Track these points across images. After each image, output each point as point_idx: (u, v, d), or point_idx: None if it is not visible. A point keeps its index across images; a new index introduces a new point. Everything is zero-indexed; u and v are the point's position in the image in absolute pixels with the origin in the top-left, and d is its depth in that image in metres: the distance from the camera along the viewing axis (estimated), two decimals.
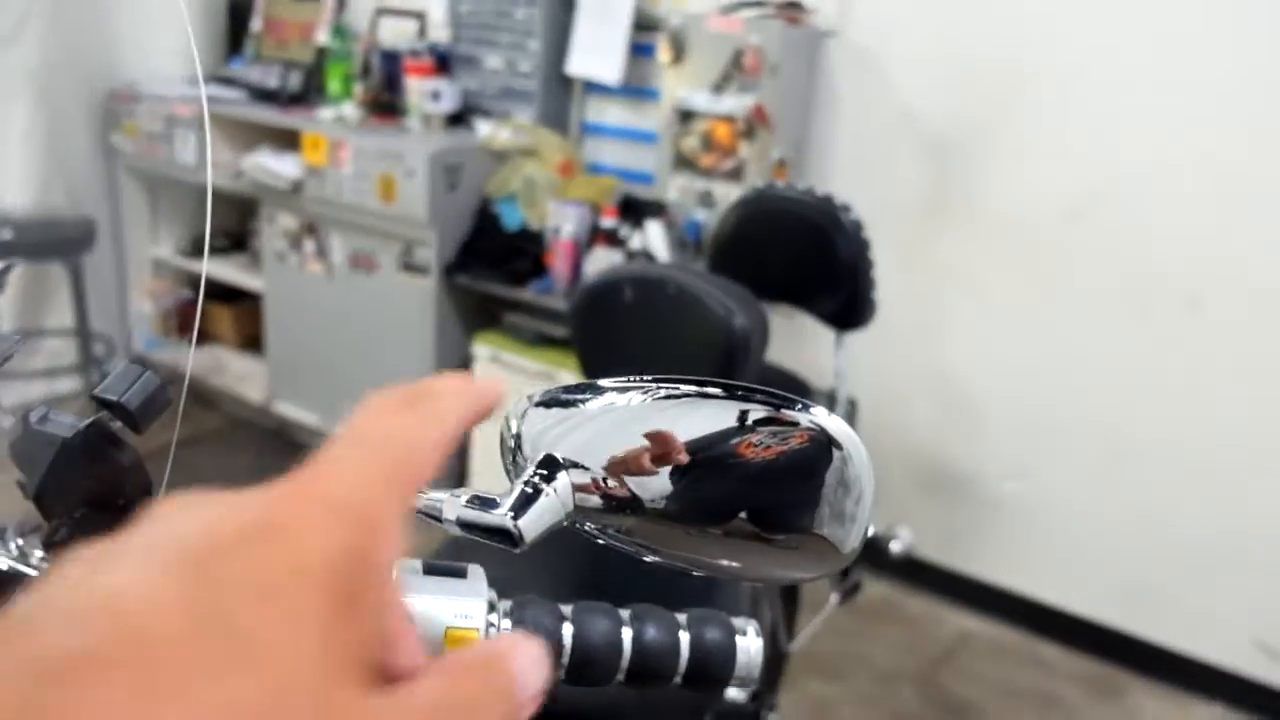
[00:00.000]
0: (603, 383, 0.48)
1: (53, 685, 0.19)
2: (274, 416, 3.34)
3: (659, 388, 0.47)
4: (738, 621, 0.59)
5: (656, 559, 0.48)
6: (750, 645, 0.58)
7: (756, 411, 0.45)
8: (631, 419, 0.46)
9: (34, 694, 0.19)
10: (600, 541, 0.49)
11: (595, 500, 0.47)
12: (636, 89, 2.80)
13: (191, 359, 3.42)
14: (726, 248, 1.71)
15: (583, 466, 0.47)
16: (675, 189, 2.70)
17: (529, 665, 0.29)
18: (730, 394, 0.46)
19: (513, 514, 0.46)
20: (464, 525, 0.47)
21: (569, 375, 2.65)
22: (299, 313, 3.18)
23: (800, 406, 0.45)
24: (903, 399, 2.73)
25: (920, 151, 2.56)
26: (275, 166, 3.01)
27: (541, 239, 2.75)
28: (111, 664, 0.20)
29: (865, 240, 1.58)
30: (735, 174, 2.57)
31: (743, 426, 0.45)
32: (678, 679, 0.57)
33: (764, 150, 2.53)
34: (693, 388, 0.46)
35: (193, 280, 3.60)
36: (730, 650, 0.57)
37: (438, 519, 0.48)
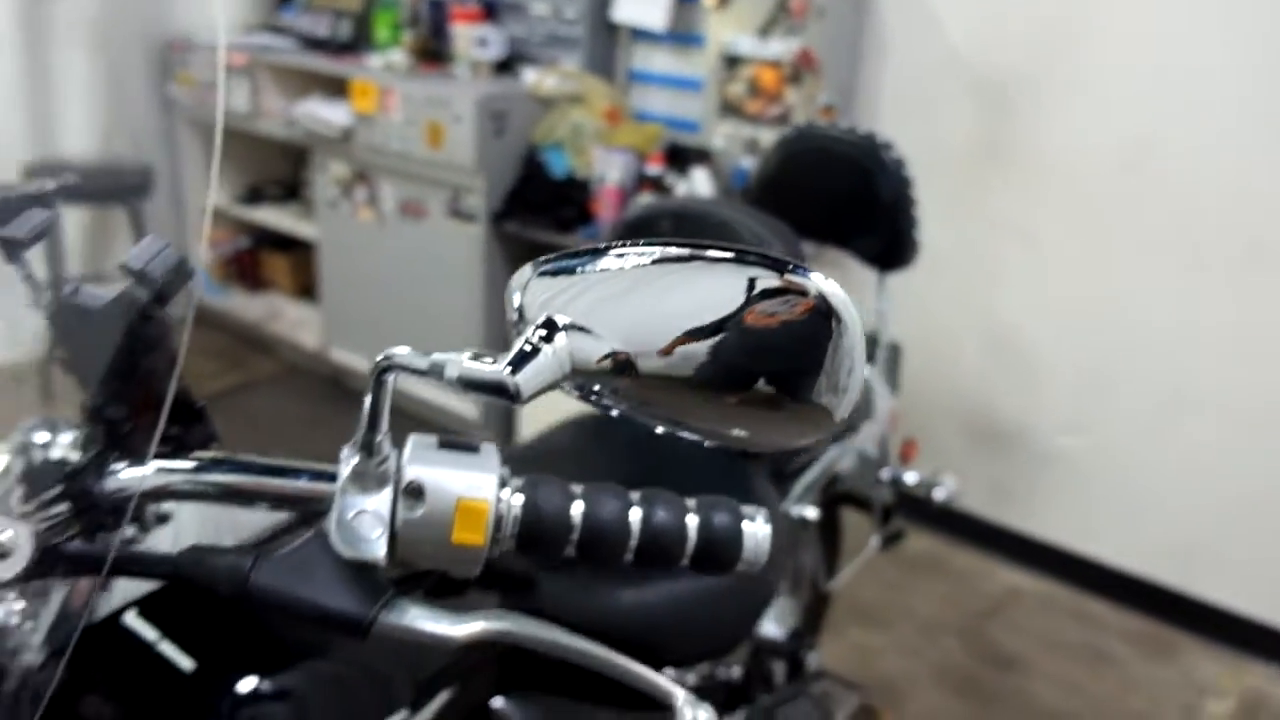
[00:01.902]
0: (604, 247, 0.49)
1: None
2: (329, 363, 3.39)
3: (655, 249, 0.47)
4: (746, 508, 0.59)
5: (661, 426, 0.49)
6: (758, 531, 0.58)
7: (766, 279, 0.45)
8: (633, 284, 0.47)
9: None
10: (613, 411, 0.50)
11: (595, 362, 0.48)
12: (682, 35, 2.76)
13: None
14: (769, 188, 1.69)
15: (584, 329, 0.48)
16: (721, 136, 2.66)
17: None
18: (734, 256, 0.46)
19: (511, 369, 0.47)
20: (464, 382, 0.48)
21: None
22: (351, 260, 3.22)
23: (798, 270, 0.45)
24: (951, 347, 2.69)
25: (971, 96, 2.50)
26: (326, 114, 3.04)
27: (587, 186, 2.74)
28: None
29: (907, 178, 1.54)
30: (781, 120, 2.53)
31: (752, 294, 0.46)
32: (685, 561, 0.58)
33: (810, 95, 2.49)
34: (688, 250, 0.46)
35: (248, 228, 3.66)
36: (736, 535, 0.57)
37: (440, 377, 0.49)
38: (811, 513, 1.47)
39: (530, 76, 2.88)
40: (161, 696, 0.71)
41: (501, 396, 0.48)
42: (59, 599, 0.68)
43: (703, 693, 1.29)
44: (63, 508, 0.55)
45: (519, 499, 0.55)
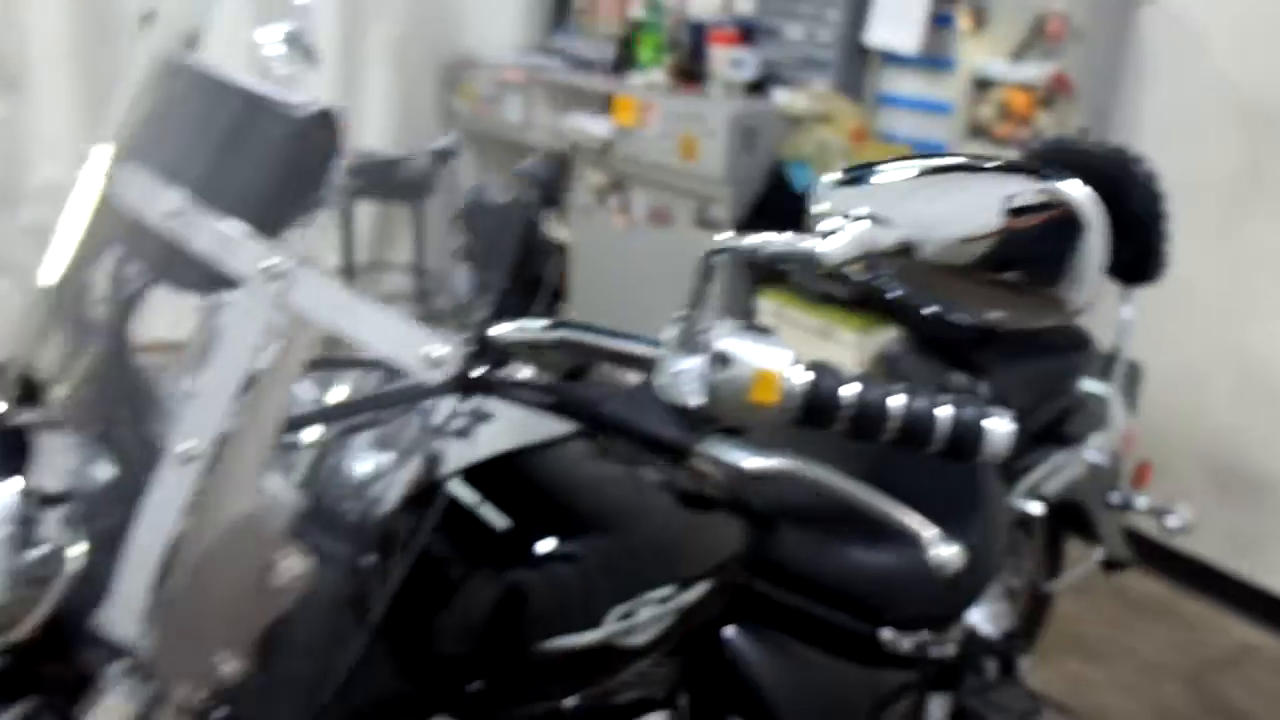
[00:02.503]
0: (890, 160, 0.62)
1: None
2: None
3: (935, 159, 0.60)
4: (991, 408, 0.69)
5: (931, 304, 0.62)
6: (999, 427, 0.68)
7: (1027, 184, 0.58)
8: (916, 187, 0.60)
9: None
10: (891, 293, 0.62)
11: (884, 246, 0.61)
12: (933, 59, 2.82)
13: None
14: None
15: (877, 219, 0.61)
16: None
17: None
18: (1001, 165, 0.59)
19: (819, 243, 0.61)
20: (780, 256, 0.62)
21: (847, 333, 2.75)
22: (600, 263, 3.47)
23: (1055, 176, 0.57)
24: (1199, 379, 2.59)
25: (1238, 121, 2.42)
26: (589, 127, 3.31)
27: None
28: None
29: (1158, 192, 1.56)
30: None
31: (1014, 195, 0.58)
32: (934, 446, 0.68)
33: (1063, 119, 2.49)
34: (962, 160, 0.59)
35: None
36: (979, 428, 0.68)
37: (762, 254, 0.64)
38: (1036, 508, 1.52)
39: (781, 96, 3.03)
40: (476, 549, 0.88)
41: (808, 264, 0.62)
42: (414, 463, 0.87)
43: (915, 662, 1.37)
44: (470, 348, 0.73)
45: (807, 375, 0.68)
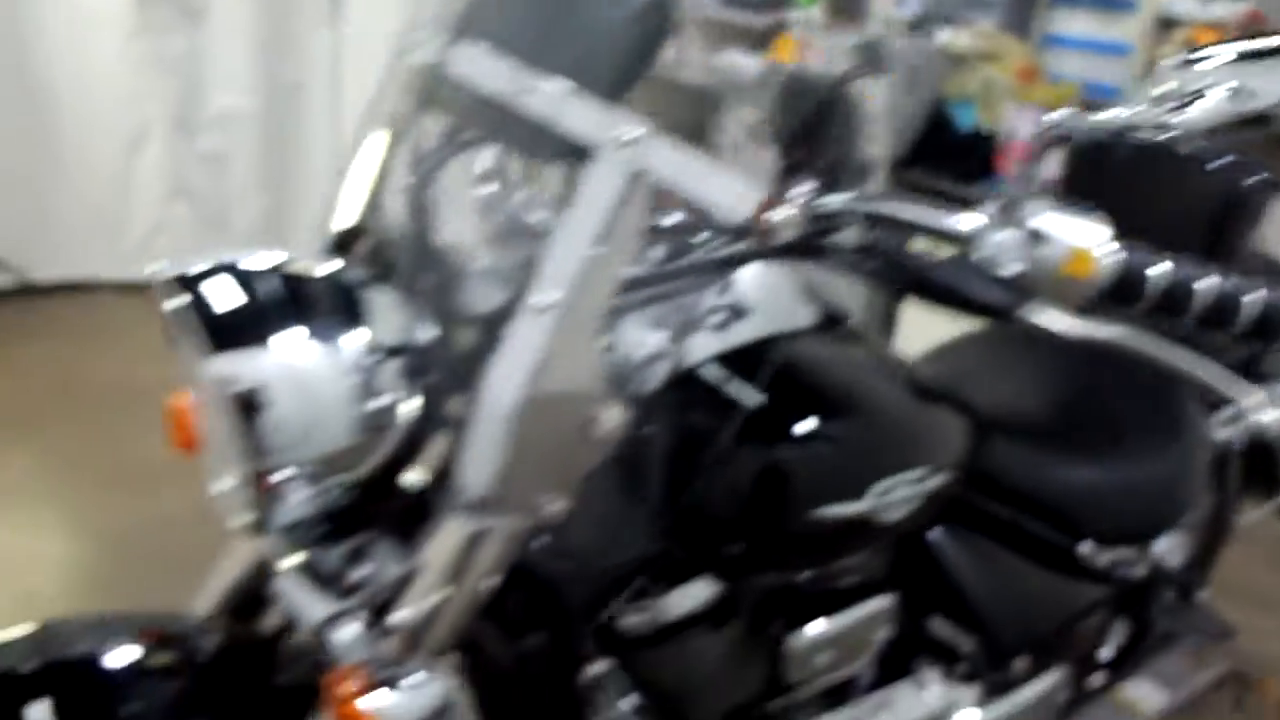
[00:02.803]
0: (1237, 37, 0.64)
1: None
2: None
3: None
4: None
5: (1266, 173, 0.64)
6: None
7: None
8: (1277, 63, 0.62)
9: None
10: (1213, 167, 0.65)
11: (1242, 113, 0.63)
12: None
13: None
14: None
15: (1238, 91, 0.63)
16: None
17: None
18: None
19: (1173, 113, 0.63)
20: (1128, 127, 0.65)
21: None
22: None
23: None
24: None
25: None
26: (740, 64, 3.31)
27: (992, 141, 2.81)
28: None
29: None
30: None
31: None
32: (1240, 327, 0.70)
33: None
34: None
35: None
36: None
37: (1108, 128, 0.67)
38: (1235, 440, 1.50)
39: (944, 35, 2.98)
40: (728, 427, 0.92)
41: (1161, 133, 0.65)
42: (679, 348, 0.91)
43: (1108, 579, 1.39)
44: (809, 213, 0.77)
45: (1119, 254, 0.71)
